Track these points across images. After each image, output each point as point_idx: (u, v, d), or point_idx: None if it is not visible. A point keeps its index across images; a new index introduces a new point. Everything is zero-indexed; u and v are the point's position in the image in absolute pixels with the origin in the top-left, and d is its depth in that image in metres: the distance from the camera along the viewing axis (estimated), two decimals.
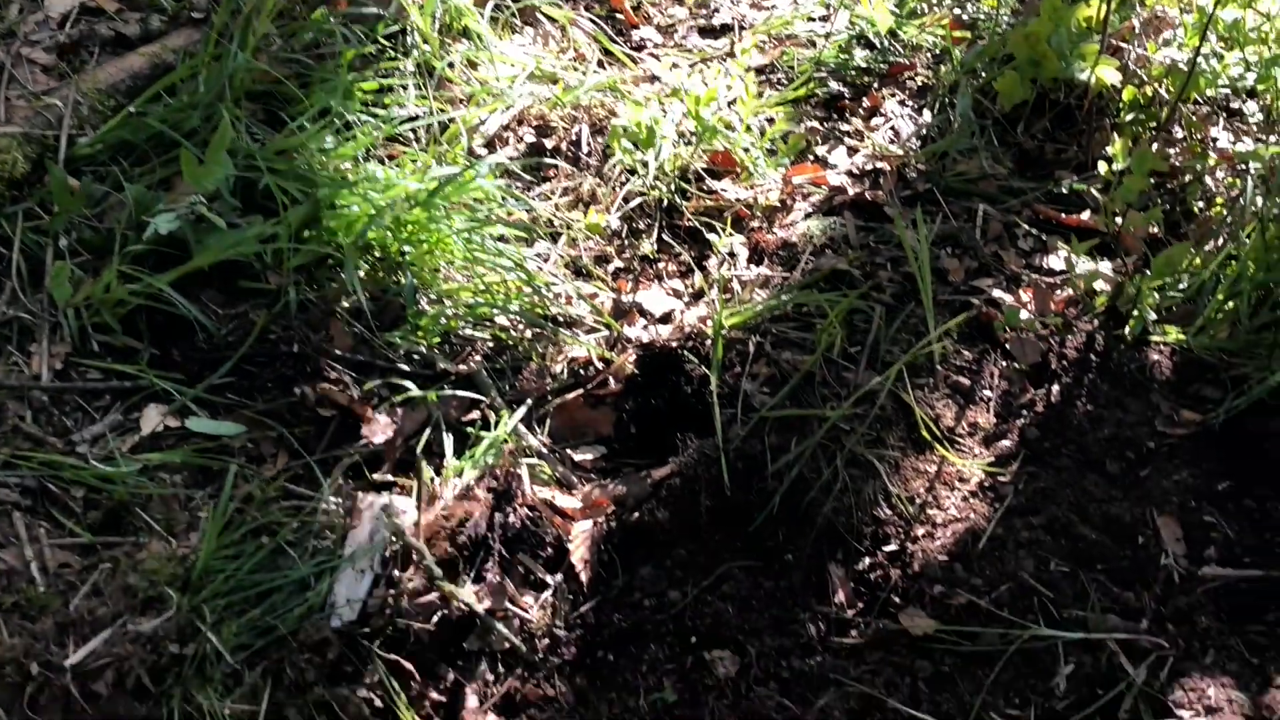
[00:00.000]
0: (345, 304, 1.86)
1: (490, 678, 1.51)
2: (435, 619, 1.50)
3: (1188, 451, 1.74)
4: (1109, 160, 2.02)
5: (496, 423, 1.73)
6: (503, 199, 2.09)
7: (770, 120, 2.38)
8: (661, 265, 2.13)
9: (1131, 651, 1.48)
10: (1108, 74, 2.18)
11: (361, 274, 1.88)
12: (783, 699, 1.49)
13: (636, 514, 1.64)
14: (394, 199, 1.91)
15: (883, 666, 1.52)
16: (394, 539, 1.55)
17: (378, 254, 1.94)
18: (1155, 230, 2.06)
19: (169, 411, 1.71)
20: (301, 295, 1.84)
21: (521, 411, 1.76)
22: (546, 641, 1.54)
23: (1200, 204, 2.15)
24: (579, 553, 1.61)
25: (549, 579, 1.60)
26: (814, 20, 2.65)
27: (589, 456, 1.77)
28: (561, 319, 1.95)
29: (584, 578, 1.60)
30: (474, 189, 2.00)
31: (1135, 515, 1.64)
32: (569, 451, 1.77)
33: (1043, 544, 1.60)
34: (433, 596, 1.51)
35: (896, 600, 1.59)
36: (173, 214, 1.81)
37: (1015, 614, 1.53)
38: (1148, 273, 1.90)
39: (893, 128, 2.36)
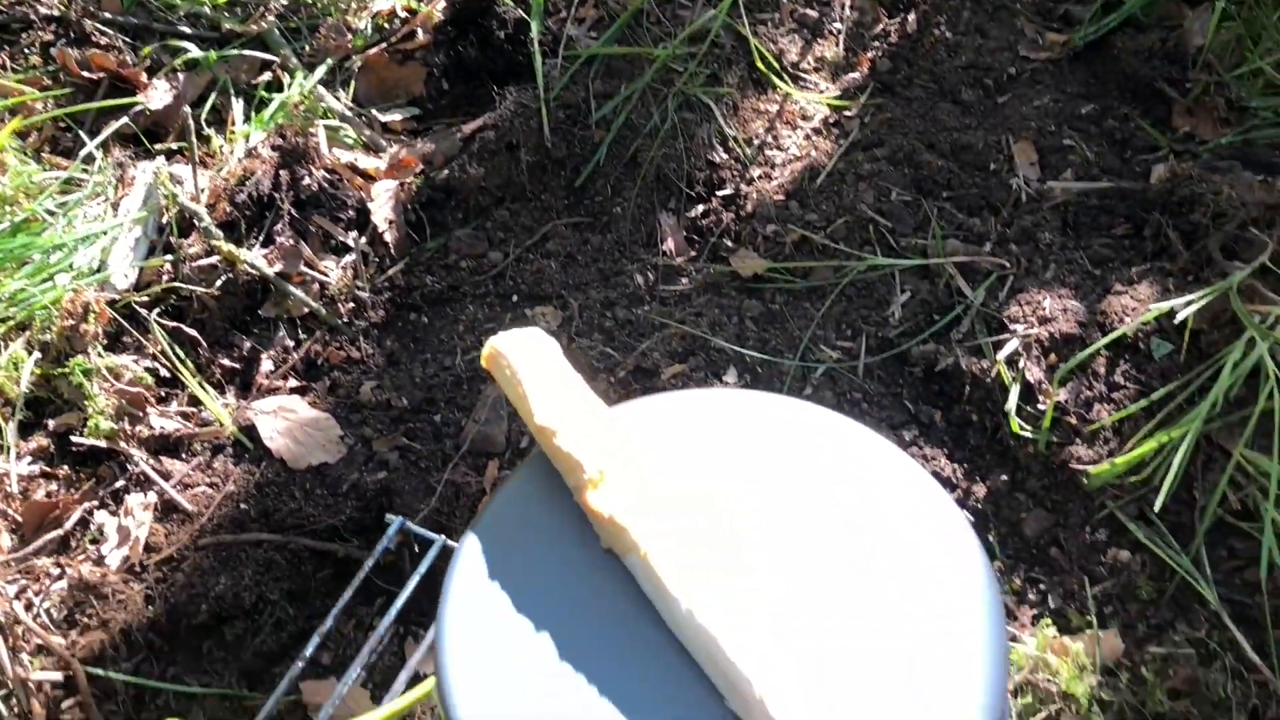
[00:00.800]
0: None
1: (290, 344, 1.40)
2: (220, 284, 1.37)
3: (1051, 75, 1.61)
4: None
5: (291, 85, 1.56)
6: None
7: None
8: None
9: (971, 274, 1.39)
10: None
11: None
12: (606, 348, 1.39)
13: (446, 171, 1.50)
14: None
15: (709, 308, 1.42)
16: (169, 204, 1.41)
17: None
18: None
19: None
20: None
21: (320, 71, 1.59)
22: (351, 305, 1.43)
23: None
24: (382, 213, 1.47)
25: (351, 242, 1.47)
26: None
27: (398, 118, 1.61)
28: None
29: (389, 239, 1.47)
30: None
31: (989, 143, 1.52)
32: (376, 114, 1.61)
33: (886, 175, 1.48)
34: (214, 260, 1.38)
35: (729, 244, 1.48)
36: None
37: (852, 247, 1.43)
38: None
39: None
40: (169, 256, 1.39)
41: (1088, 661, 1.10)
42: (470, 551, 0.66)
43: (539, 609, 0.62)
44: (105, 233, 1.38)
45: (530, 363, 0.76)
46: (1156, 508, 1.10)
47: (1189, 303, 1.17)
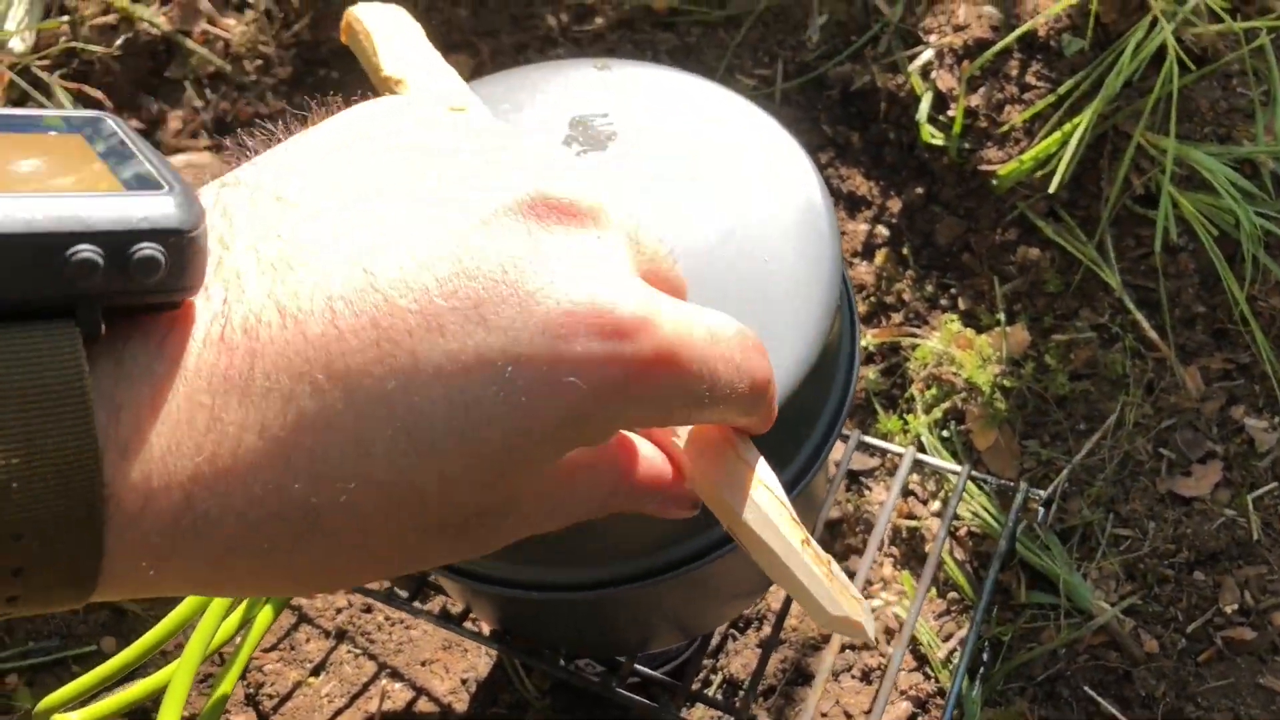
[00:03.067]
0: None
1: (199, 104, 1.38)
2: (120, 44, 1.35)
3: None
4: None
5: None
6: None
7: None
8: None
9: None
10: None
11: None
12: None
13: None
14: None
15: (623, 45, 1.39)
16: None
17: None
18: None
19: None
20: None
21: None
22: (259, 63, 1.40)
23: None
24: None
25: None
26: None
27: None
28: None
29: None
30: None
31: None
32: None
33: None
34: (112, 19, 1.35)
35: None
36: None
37: None
38: None
39: None
40: (65, 18, 1.36)
41: (992, 354, 1.12)
42: None
43: None
44: None
45: (386, 28, 0.74)
46: (1052, 189, 1.10)
47: None
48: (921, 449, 1.09)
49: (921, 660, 1.01)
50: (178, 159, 1.29)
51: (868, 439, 0.95)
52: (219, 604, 0.53)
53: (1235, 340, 1.10)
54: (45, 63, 1.34)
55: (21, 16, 1.35)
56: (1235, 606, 0.98)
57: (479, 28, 1.43)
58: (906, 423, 1.11)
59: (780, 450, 0.60)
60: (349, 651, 1.08)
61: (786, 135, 0.64)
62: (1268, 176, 1.12)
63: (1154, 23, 1.10)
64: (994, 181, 1.18)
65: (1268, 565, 1.00)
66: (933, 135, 1.21)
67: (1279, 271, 1.08)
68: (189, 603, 0.54)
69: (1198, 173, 1.11)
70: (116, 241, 0.26)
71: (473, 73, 1.41)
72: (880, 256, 1.22)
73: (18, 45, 1.34)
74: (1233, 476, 1.04)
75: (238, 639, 0.77)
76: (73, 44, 1.34)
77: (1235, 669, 0.96)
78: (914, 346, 1.16)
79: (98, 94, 1.34)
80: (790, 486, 0.61)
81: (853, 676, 1.01)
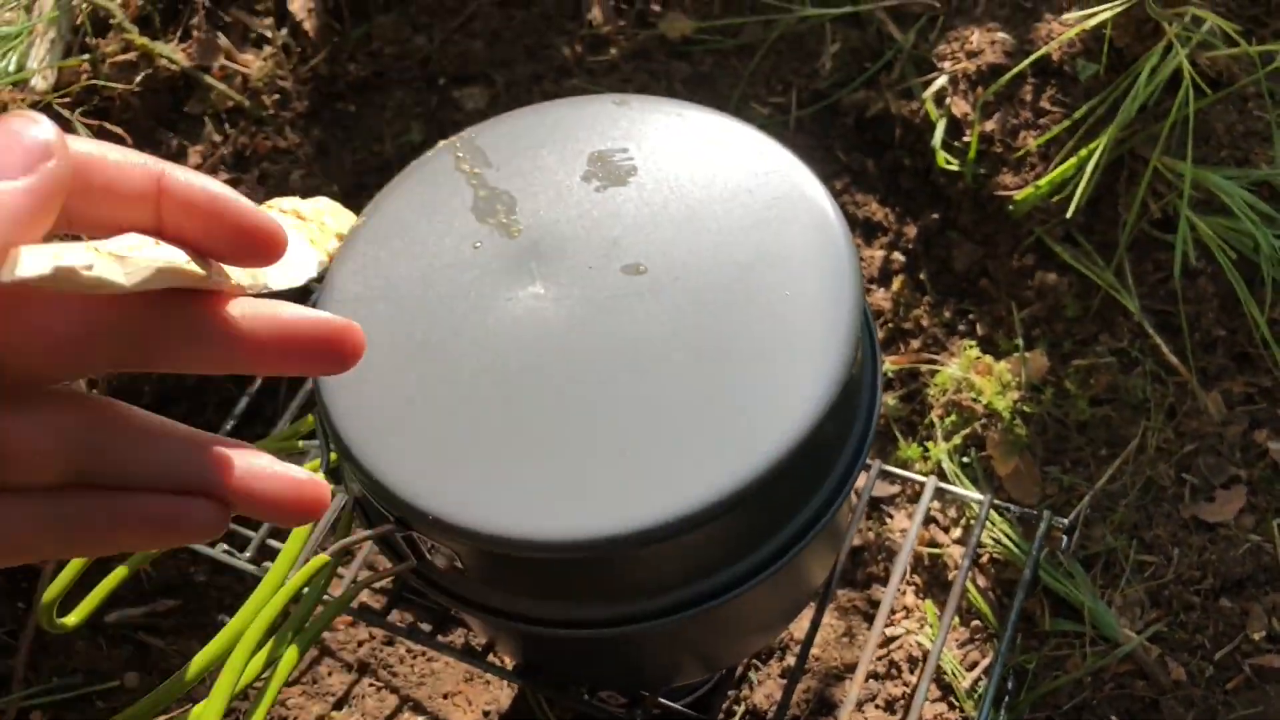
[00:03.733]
0: None
1: (218, 139, 1.39)
2: (140, 80, 1.36)
3: None
4: None
5: None
6: None
7: None
8: None
9: (902, 18, 1.36)
10: None
11: None
12: None
13: None
14: None
15: (637, 75, 1.40)
16: (82, 2, 1.38)
17: None
18: None
19: None
20: None
21: None
22: (276, 97, 1.41)
23: None
24: (300, 1, 1.44)
25: (270, 34, 1.44)
26: None
27: None
28: None
29: (309, 28, 1.44)
30: None
31: None
32: None
33: None
34: (131, 56, 1.36)
35: (657, 9, 1.45)
36: None
37: (781, 0, 1.40)
38: None
39: None
40: (86, 56, 1.37)
41: (1012, 379, 1.12)
42: (356, 252, 0.65)
43: (433, 310, 0.59)
44: (19, 35, 1.36)
45: None
46: (1069, 214, 1.10)
47: (1105, 10, 1.14)
48: (942, 476, 1.08)
49: (946, 690, 1.00)
50: None
51: (888, 467, 0.95)
52: (248, 640, 0.53)
53: (1257, 363, 1.10)
54: (66, 100, 1.35)
55: (43, 55, 1.37)
56: (1263, 633, 0.97)
57: (494, 59, 1.44)
58: (926, 449, 1.11)
59: (808, 482, 0.60)
60: (371, 684, 1.07)
61: (802, 166, 0.65)
62: None
63: (1169, 47, 1.10)
64: (1010, 207, 1.18)
65: None
66: (948, 161, 1.21)
67: None
68: (218, 641, 0.55)
69: (1215, 196, 1.11)
70: None
71: (488, 104, 1.42)
72: (897, 283, 1.22)
73: (39, 83, 1.35)
74: (1257, 501, 1.04)
75: (265, 675, 0.77)
76: (93, 81, 1.35)
77: (1265, 697, 0.94)
78: (933, 373, 1.15)
79: (118, 130, 1.35)
80: (816, 518, 0.61)
81: (877, 707, 1.01)
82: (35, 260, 0.31)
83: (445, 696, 1.06)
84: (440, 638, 0.87)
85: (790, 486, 0.58)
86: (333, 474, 0.60)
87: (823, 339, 0.57)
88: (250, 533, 1.00)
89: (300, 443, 0.73)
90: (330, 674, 1.08)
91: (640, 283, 0.59)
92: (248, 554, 0.98)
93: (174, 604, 1.12)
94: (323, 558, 0.54)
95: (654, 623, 0.60)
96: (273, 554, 1.02)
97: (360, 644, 1.10)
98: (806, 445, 0.54)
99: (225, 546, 0.98)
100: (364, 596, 1.09)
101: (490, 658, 0.85)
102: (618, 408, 0.55)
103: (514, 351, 0.58)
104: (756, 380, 0.56)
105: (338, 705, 1.06)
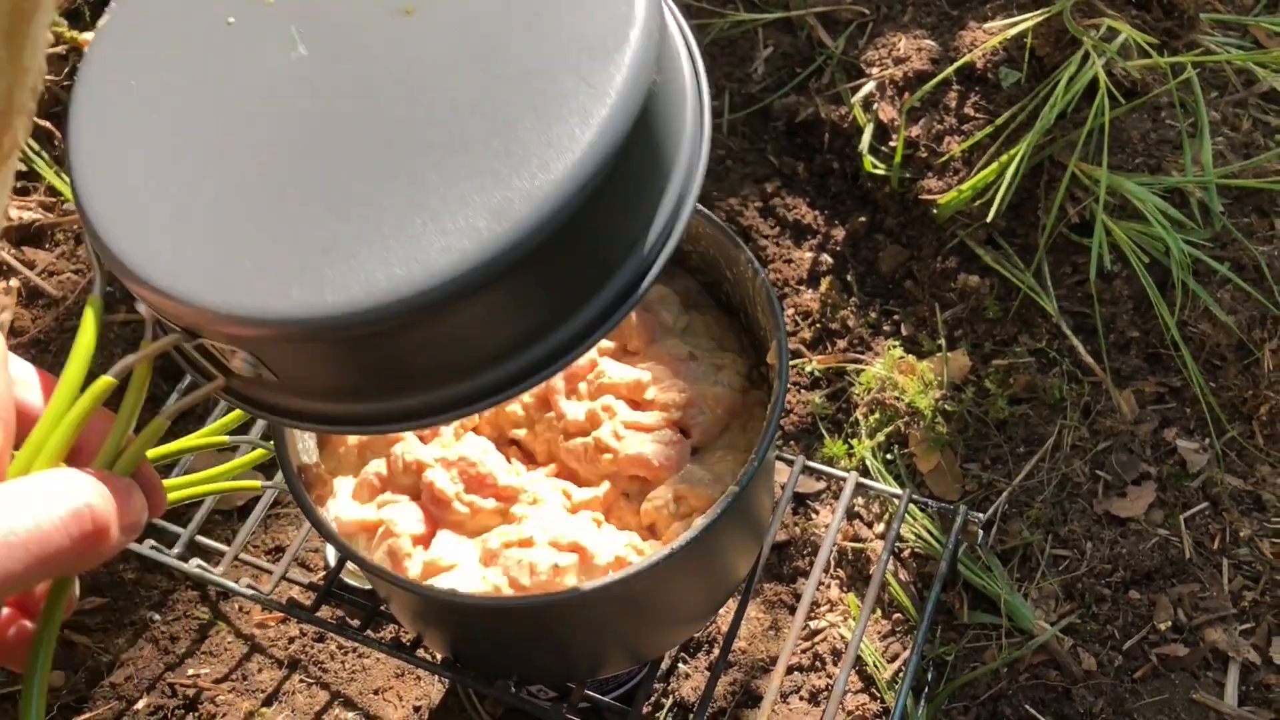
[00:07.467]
0: None
1: None
2: (68, 73, 1.35)
3: None
4: None
5: None
6: None
7: None
8: None
9: (832, 24, 1.39)
10: None
11: None
12: None
13: None
14: None
15: None
16: None
17: None
18: None
19: None
20: None
21: None
22: None
23: None
24: None
25: None
26: None
27: None
28: None
29: None
30: None
31: None
32: None
33: None
34: (60, 49, 1.35)
35: None
36: None
37: (714, 4, 1.42)
38: None
39: None
40: None
41: (934, 379, 1.15)
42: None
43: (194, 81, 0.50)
44: None
45: None
46: (990, 218, 1.13)
47: (1026, 20, 1.18)
48: (866, 473, 1.11)
49: (868, 681, 1.03)
50: None
51: (812, 464, 0.97)
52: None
53: (1167, 364, 1.14)
54: None
55: None
56: (1169, 624, 1.01)
57: None
58: (851, 447, 1.14)
59: (610, 236, 0.49)
60: (301, 681, 1.08)
61: None
62: (1195, 206, 1.16)
63: (1086, 57, 1.14)
64: (934, 210, 1.21)
65: (1200, 583, 1.03)
66: (875, 165, 1.24)
67: (1208, 298, 1.12)
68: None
69: (1130, 202, 1.15)
70: None
71: None
72: (825, 284, 1.24)
73: None
74: (1166, 497, 1.08)
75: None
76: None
77: (1170, 685, 0.98)
78: (858, 372, 1.18)
79: (46, 124, 1.34)
80: (632, 287, 0.49)
81: (800, 698, 1.03)
82: None
83: (376, 692, 1.07)
84: (370, 633, 0.88)
85: (588, 240, 0.48)
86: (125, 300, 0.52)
87: (609, 56, 0.46)
88: (178, 529, 1.00)
89: (227, 437, 0.73)
90: (260, 670, 1.08)
91: (409, 25, 0.50)
92: (176, 550, 0.98)
93: (101, 601, 1.12)
94: (106, 379, 0.50)
95: (467, 408, 0.52)
96: (202, 551, 1.02)
97: (290, 640, 1.10)
98: (599, 180, 0.45)
99: (153, 542, 0.98)
100: (294, 593, 1.09)
101: (419, 652, 0.85)
102: (396, 165, 0.47)
103: (279, 125, 0.49)
104: (538, 117, 0.46)
105: (267, 702, 1.06)
